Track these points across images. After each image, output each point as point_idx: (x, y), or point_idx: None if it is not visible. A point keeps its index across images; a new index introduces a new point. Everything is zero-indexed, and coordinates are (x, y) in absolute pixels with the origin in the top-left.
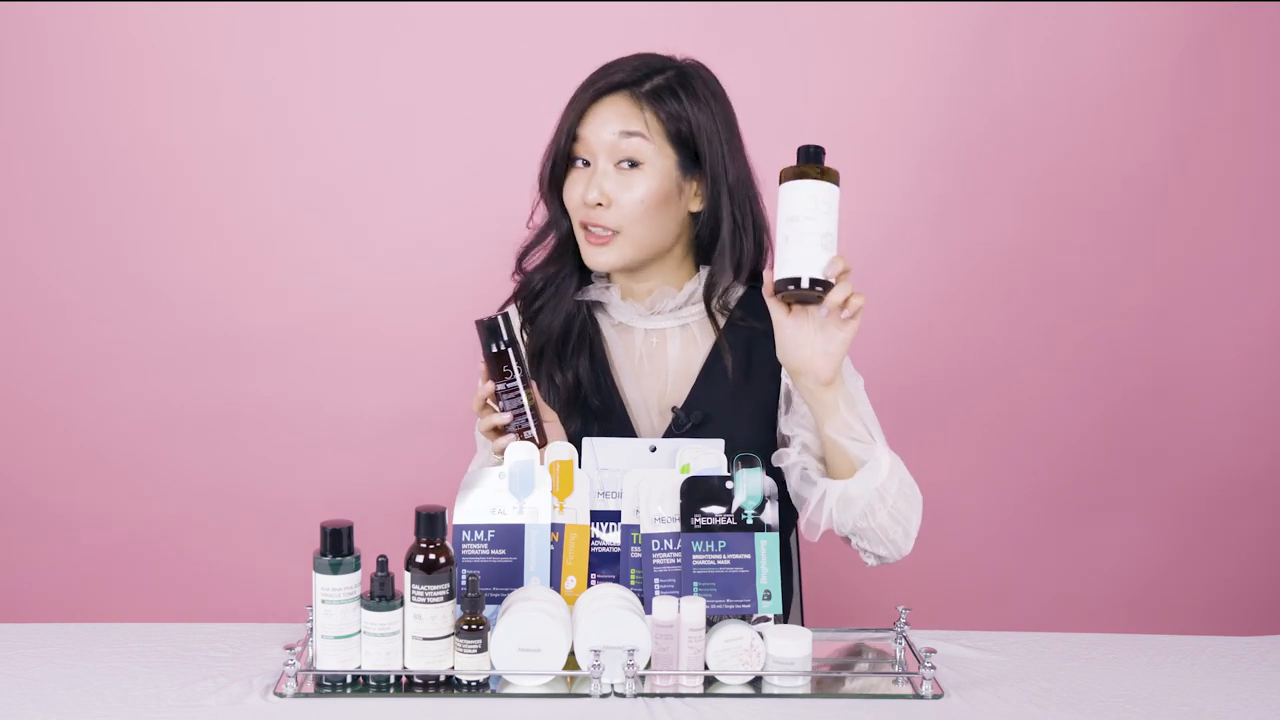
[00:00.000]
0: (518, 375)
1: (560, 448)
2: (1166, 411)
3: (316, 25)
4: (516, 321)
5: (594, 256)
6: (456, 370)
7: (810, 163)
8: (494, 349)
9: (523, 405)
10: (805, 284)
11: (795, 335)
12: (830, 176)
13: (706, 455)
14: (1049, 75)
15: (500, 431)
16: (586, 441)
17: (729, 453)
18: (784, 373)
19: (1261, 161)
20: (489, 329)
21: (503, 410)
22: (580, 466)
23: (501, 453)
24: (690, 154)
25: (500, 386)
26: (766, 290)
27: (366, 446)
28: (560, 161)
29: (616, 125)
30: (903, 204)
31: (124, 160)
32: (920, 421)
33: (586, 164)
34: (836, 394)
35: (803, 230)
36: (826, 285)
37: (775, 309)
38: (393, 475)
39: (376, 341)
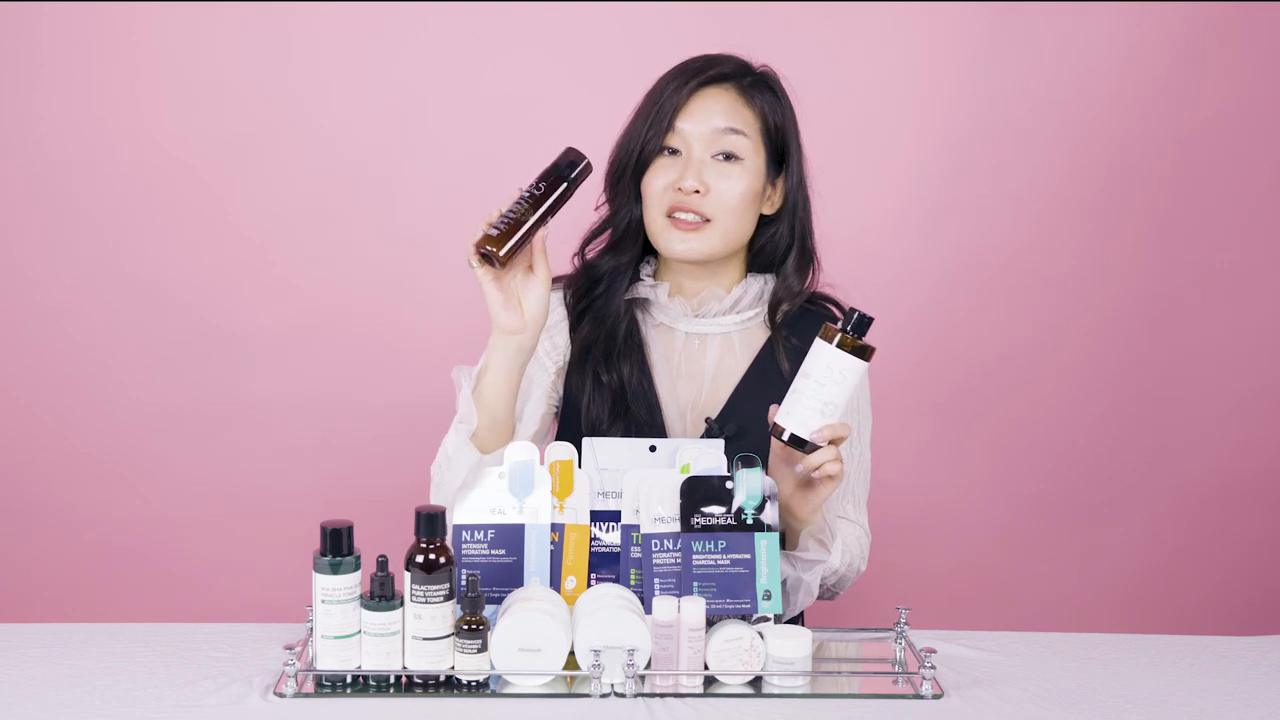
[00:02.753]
0: (543, 198)
1: (560, 448)
2: (1166, 412)
3: (317, 22)
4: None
5: (681, 243)
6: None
7: (848, 331)
8: (553, 166)
9: (515, 213)
10: (786, 438)
11: (781, 469)
12: (862, 351)
13: (706, 455)
14: (1049, 77)
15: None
16: (586, 441)
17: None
18: None
19: (1263, 162)
20: (570, 157)
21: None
22: (580, 466)
23: (476, 255)
24: (777, 155)
25: (525, 192)
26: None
27: (366, 446)
28: (649, 150)
29: (721, 119)
30: (902, 207)
31: (123, 159)
32: (921, 423)
33: (673, 153)
34: (804, 529)
35: (808, 390)
36: (814, 446)
37: (774, 440)
38: (393, 475)
39: (377, 341)
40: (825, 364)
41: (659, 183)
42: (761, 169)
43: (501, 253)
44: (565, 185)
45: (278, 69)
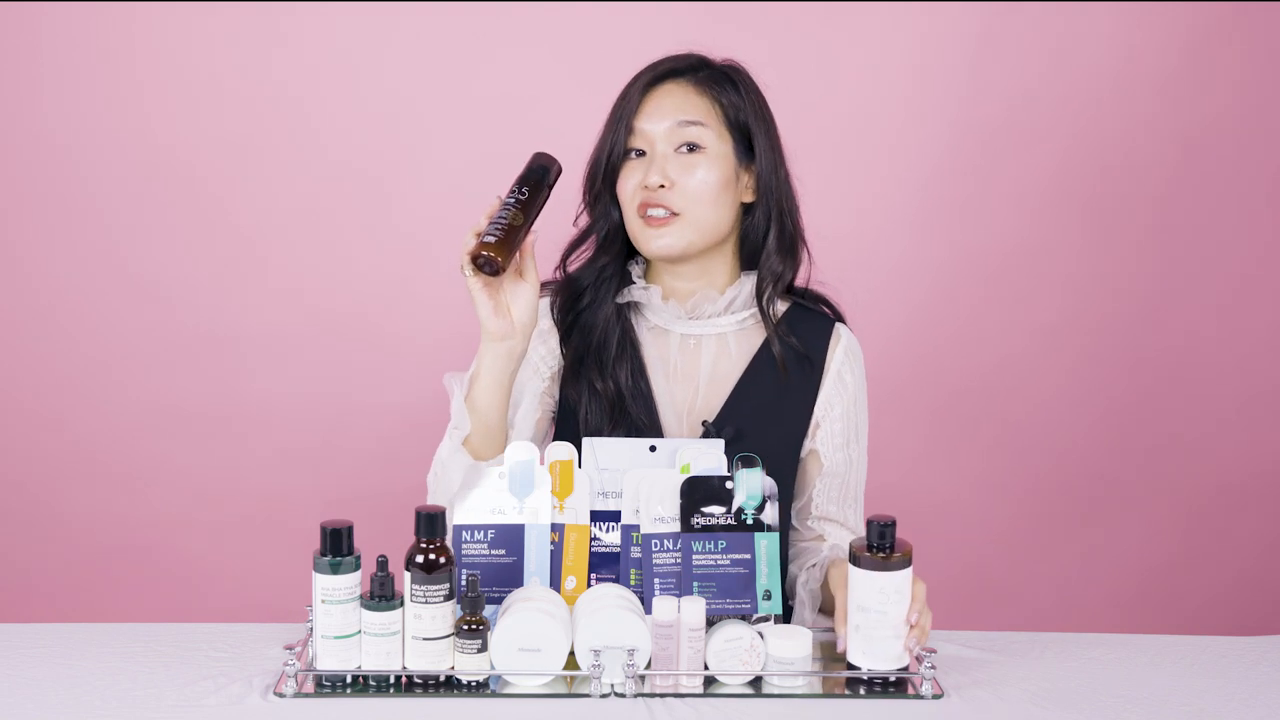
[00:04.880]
0: (529, 202)
1: (560, 448)
2: (1166, 412)
3: (318, 23)
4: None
5: (654, 240)
6: (458, 370)
7: (878, 549)
8: (528, 171)
9: (506, 218)
10: (881, 674)
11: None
12: (899, 560)
13: (706, 455)
14: (1051, 77)
15: (478, 237)
16: (586, 441)
17: None
18: (817, 406)
19: (1265, 163)
20: (542, 161)
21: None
22: (580, 466)
23: (471, 265)
24: (745, 142)
25: (509, 198)
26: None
27: (366, 446)
28: (616, 155)
29: (675, 114)
30: (904, 208)
31: (123, 159)
32: (922, 423)
33: (640, 154)
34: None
35: (877, 623)
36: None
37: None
38: (393, 476)
39: (377, 341)
40: (878, 590)
41: (629, 184)
42: (729, 156)
43: (501, 258)
44: (546, 189)
45: (278, 70)
